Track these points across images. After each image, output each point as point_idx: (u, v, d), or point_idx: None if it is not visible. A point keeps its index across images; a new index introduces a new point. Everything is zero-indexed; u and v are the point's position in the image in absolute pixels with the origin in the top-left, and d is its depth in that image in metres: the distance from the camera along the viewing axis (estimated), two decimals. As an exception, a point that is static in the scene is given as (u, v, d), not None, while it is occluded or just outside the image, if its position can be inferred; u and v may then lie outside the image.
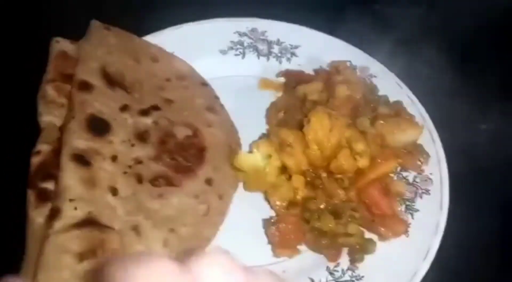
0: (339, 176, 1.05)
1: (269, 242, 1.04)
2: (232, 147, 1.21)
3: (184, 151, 1.14)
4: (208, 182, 1.12)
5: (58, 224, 0.93)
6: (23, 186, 1.03)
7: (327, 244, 1.01)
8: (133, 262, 0.50)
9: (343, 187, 1.05)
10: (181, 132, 1.17)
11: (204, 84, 1.31)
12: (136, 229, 0.99)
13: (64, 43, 1.24)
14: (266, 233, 1.05)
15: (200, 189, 1.10)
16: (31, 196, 1.02)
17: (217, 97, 1.29)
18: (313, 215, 1.02)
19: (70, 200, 0.96)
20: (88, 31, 1.25)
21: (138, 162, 1.09)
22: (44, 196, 1.02)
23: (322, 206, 1.04)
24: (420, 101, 1.25)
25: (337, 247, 1.02)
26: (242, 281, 0.46)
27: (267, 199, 1.09)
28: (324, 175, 1.07)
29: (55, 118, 1.14)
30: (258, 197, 1.12)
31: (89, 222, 0.95)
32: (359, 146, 1.04)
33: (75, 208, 0.95)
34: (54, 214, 0.95)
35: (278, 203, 1.05)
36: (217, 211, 1.10)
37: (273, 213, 1.08)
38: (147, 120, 1.16)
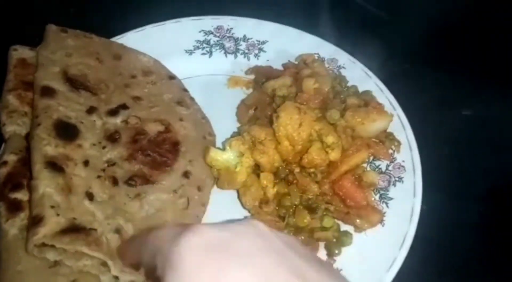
0: (311, 170, 1.05)
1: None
2: (206, 137, 1.20)
3: (158, 147, 1.13)
4: (185, 175, 1.11)
5: (43, 230, 0.90)
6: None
7: (304, 239, 1.01)
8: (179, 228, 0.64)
9: (316, 181, 1.05)
10: (153, 129, 1.16)
11: (172, 77, 1.29)
12: (119, 232, 0.98)
13: (23, 50, 1.22)
14: None
15: (178, 183, 1.10)
16: (1, 207, 1.01)
17: (186, 90, 1.28)
18: (288, 211, 1.03)
19: (51, 207, 0.94)
20: (44, 36, 1.22)
21: (111, 164, 1.08)
22: (15, 207, 1.01)
23: (296, 202, 1.04)
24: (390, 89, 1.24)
25: (314, 242, 1.02)
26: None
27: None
28: (297, 170, 1.06)
29: (19, 127, 1.12)
30: (232, 195, 1.12)
31: (74, 228, 0.93)
32: (330, 139, 1.03)
33: (57, 214, 0.93)
34: (37, 221, 0.92)
35: (250, 202, 1.05)
36: (197, 203, 1.09)
37: (247, 213, 1.08)
38: (116, 120, 1.15)
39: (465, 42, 1.43)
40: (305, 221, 1.01)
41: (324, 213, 1.03)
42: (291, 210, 1.03)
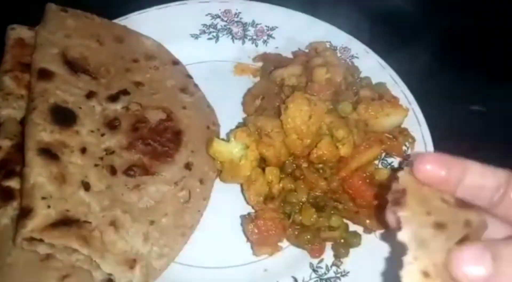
0: (320, 165, 1.00)
1: (248, 240, 1.00)
2: (210, 127, 1.16)
3: (159, 136, 1.08)
4: (187, 166, 1.07)
5: (31, 223, 0.87)
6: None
7: (309, 239, 0.96)
8: None
9: (325, 177, 0.99)
10: (154, 117, 1.11)
11: (175, 63, 1.24)
12: (114, 224, 0.94)
13: (21, 30, 1.17)
14: (244, 231, 1.00)
15: (179, 174, 1.05)
16: (-8, 196, 0.97)
17: (190, 77, 1.23)
18: (294, 208, 0.97)
19: (42, 198, 0.90)
20: (44, 16, 1.16)
21: (110, 152, 1.04)
22: (8, 195, 0.97)
23: (303, 199, 0.98)
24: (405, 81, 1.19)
25: (320, 241, 0.97)
26: None
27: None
28: (305, 165, 1.01)
29: (15, 111, 1.08)
30: (235, 189, 1.06)
31: (66, 221, 0.90)
32: (341, 133, 0.98)
33: (48, 206, 0.90)
34: (26, 213, 0.89)
35: (254, 198, 1.00)
36: (198, 196, 1.05)
37: (251, 208, 1.03)
38: (116, 107, 1.10)
39: (484, 38, 1.37)
40: (311, 219, 0.96)
41: (332, 212, 0.97)
42: (297, 207, 0.98)
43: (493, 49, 1.35)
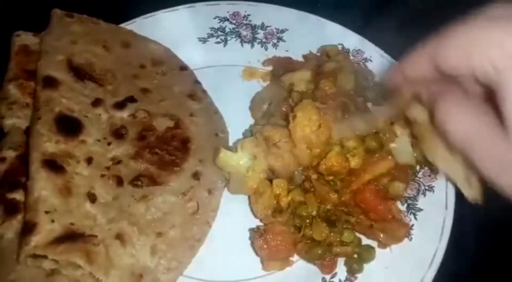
0: (330, 177, 0.95)
1: (257, 255, 0.96)
2: (219, 135, 1.13)
3: (166, 144, 1.06)
4: (195, 176, 1.04)
5: (35, 240, 0.85)
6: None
7: (320, 254, 0.92)
8: None
9: (336, 190, 0.95)
10: (162, 125, 1.08)
11: (183, 68, 1.21)
12: (120, 237, 0.92)
13: (26, 37, 1.16)
14: (253, 246, 0.97)
15: (187, 184, 1.03)
16: (-3, 208, 0.95)
17: (198, 82, 1.20)
18: (304, 222, 0.94)
19: (46, 212, 0.88)
20: (49, 21, 1.15)
21: (117, 161, 1.02)
22: (12, 208, 0.96)
23: (313, 213, 0.94)
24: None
25: (332, 257, 0.93)
26: None
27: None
28: (314, 176, 0.97)
29: (20, 120, 1.06)
30: (245, 199, 1.03)
31: (71, 235, 0.88)
32: (351, 143, 0.93)
33: (52, 221, 0.88)
34: (29, 228, 0.87)
35: (261, 211, 0.96)
36: (207, 207, 1.02)
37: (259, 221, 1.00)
38: (123, 114, 1.08)
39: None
40: (323, 234, 0.92)
41: (344, 226, 0.93)
42: (307, 221, 0.94)
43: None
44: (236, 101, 1.17)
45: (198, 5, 1.29)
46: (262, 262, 0.96)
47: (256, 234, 0.95)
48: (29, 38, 1.15)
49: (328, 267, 0.94)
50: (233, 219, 1.02)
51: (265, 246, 0.93)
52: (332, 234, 0.92)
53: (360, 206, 0.95)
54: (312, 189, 0.97)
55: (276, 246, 0.93)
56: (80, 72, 1.08)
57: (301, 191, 0.97)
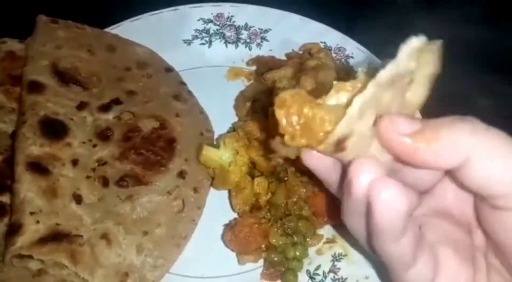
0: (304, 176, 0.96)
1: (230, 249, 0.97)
2: (204, 134, 1.13)
3: (152, 145, 1.07)
4: (181, 175, 1.05)
5: (20, 240, 0.87)
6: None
7: (276, 261, 0.94)
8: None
9: (306, 185, 0.96)
10: (147, 125, 1.09)
11: (168, 70, 1.22)
12: (106, 237, 0.93)
13: (12, 43, 1.16)
14: (223, 240, 0.98)
15: (173, 183, 1.03)
16: (-17, 211, 0.96)
17: (183, 83, 1.21)
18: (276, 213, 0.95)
19: (31, 213, 0.90)
20: (35, 28, 1.16)
21: (102, 163, 1.03)
22: (-1, 210, 0.97)
23: (279, 202, 0.95)
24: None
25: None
26: None
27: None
28: (291, 169, 0.97)
29: (5, 125, 1.07)
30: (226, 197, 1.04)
31: (56, 236, 0.89)
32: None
33: (37, 222, 0.89)
34: (15, 229, 0.89)
35: (240, 206, 0.97)
36: (193, 205, 1.03)
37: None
38: (109, 116, 1.09)
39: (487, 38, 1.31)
40: (280, 242, 0.93)
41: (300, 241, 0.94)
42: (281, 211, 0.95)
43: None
44: (222, 101, 1.18)
45: (182, 7, 1.30)
46: (237, 256, 0.96)
47: (226, 228, 0.96)
48: (15, 44, 1.16)
49: (269, 277, 0.95)
50: (219, 215, 1.03)
51: (234, 239, 0.93)
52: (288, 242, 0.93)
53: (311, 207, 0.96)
54: (286, 179, 0.97)
55: (245, 238, 0.93)
56: (65, 77, 1.09)
57: (278, 182, 0.97)
